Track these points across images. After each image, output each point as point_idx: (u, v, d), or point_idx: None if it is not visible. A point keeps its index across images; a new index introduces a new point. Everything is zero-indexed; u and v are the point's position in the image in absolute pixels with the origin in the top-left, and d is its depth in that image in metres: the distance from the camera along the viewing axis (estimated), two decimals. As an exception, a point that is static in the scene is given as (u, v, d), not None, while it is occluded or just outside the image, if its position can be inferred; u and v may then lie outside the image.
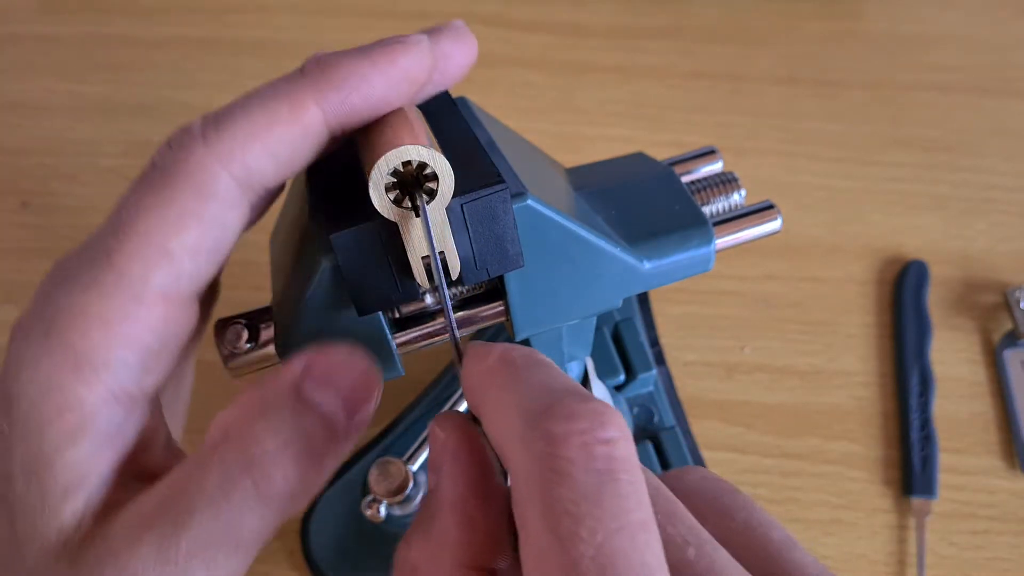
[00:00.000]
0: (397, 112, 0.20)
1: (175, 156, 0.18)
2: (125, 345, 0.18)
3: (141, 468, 0.19)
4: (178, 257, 0.18)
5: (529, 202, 0.21)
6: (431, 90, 0.23)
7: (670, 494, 0.18)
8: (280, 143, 0.19)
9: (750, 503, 0.19)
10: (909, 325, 0.43)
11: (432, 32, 0.22)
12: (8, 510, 0.18)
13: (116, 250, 0.18)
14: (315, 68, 0.19)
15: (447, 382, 0.40)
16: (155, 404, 0.20)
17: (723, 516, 0.18)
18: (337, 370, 0.19)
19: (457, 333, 0.20)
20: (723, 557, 0.16)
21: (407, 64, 0.20)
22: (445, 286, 0.19)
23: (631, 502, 0.15)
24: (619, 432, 0.16)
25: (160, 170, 0.18)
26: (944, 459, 0.40)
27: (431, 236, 0.19)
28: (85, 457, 0.18)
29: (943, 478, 0.39)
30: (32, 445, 0.17)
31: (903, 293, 0.44)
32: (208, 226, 0.18)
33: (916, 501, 0.39)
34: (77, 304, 0.17)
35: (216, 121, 0.18)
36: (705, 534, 0.17)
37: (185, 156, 0.18)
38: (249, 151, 0.18)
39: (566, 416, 0.16)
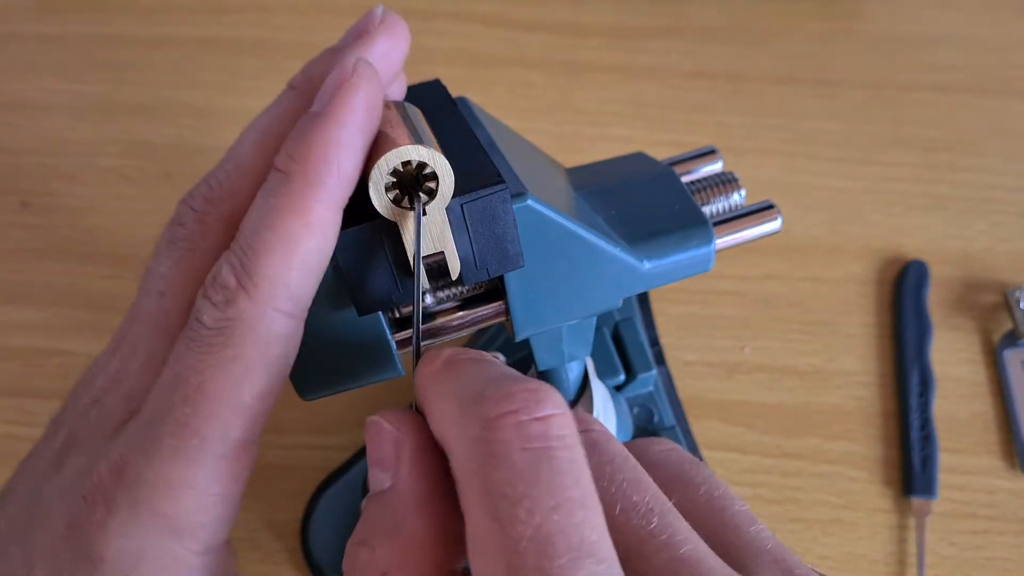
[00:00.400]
0: (395, 112, 0.20)
1: (225, 315, 0.18)
2: (217, 504, 0.18)
3: None
4: (252, 406, 0.18)
5: (529, 202, 0.21)
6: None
7: (636, 463, 0.18)
8: (309, 255, 0.18)
9: (712, 477, 0.19)
10: (909, 325, 0.43)
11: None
12: None
13: (193, 417, 0.18)
14: (295, 166, 0.18)
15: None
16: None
17: (687, 487, 0.19)
18: None
19: (421, 340, 0.21)
20: (684, 528, 0.17)
21: (366, 100, 0.19)
22: (419, 290, 0.20)
23: (568, 479, 0.15)
24: (555, 409, 0.16)
25: (215, 332, 0.18)
26: (944, 459, 0.40)
27: (419, 237, 0.19)
28: None
29: (943, 478, 0.39)
30: None
31: (903, 293, 0.44)
32: (275, 367, 0.19)
33: (916, 501, 0.39)
34: (163, 474, 0.18)
35: (244, 267, 0.18)
36: (668, 504, 0.17)
37: (235, 313, 0.18)
38: (289, 280, 0.18)
39: (499, 398, 0.16)
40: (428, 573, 0.17)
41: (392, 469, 0.18)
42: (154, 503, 0.17)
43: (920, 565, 0.37)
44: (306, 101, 0.20)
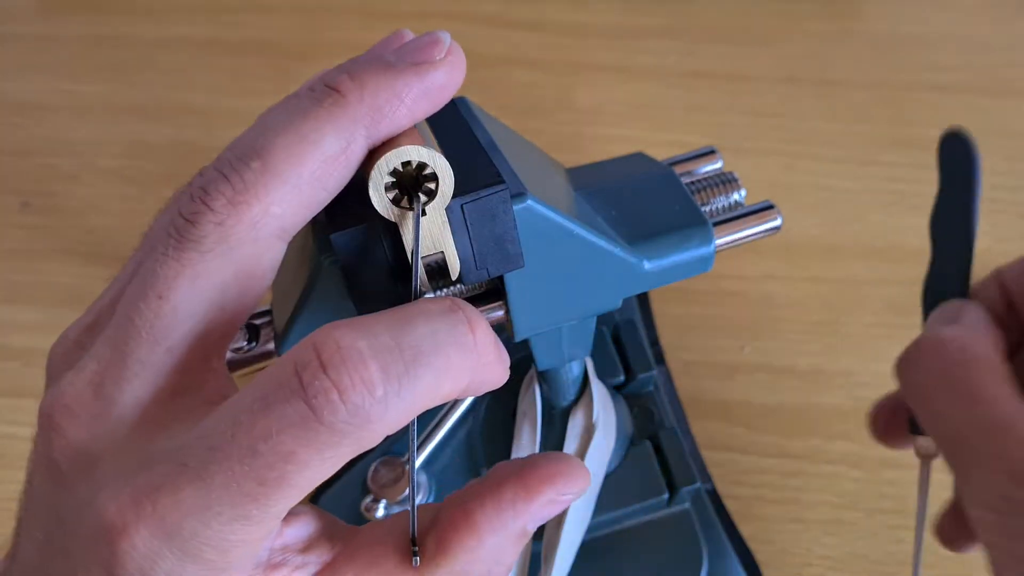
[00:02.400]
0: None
1: (219, 219, 0.17)
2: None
3: None
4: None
5: (529, 202, 0.21)
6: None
7: None
8: (331, 179, 0.18)
9: None
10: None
11: (424, 62, 0.20)
12: None
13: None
14: (356, 92, 0.17)
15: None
16: None
17: None
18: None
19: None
20: None
21: (447, 81, 0.19)
22: (417, 289, 0.19)
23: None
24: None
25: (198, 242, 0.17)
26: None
27: (418, 237, 0.19)
28: None
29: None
30: None
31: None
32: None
33: (922, 440, 0.32)
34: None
35: (242, 176, 0.17)
36: None
37: (224, 218, 0.17)
38: (309, 200, 0.18)
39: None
40: None
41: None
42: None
43: (921, 513, 0.34)
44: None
